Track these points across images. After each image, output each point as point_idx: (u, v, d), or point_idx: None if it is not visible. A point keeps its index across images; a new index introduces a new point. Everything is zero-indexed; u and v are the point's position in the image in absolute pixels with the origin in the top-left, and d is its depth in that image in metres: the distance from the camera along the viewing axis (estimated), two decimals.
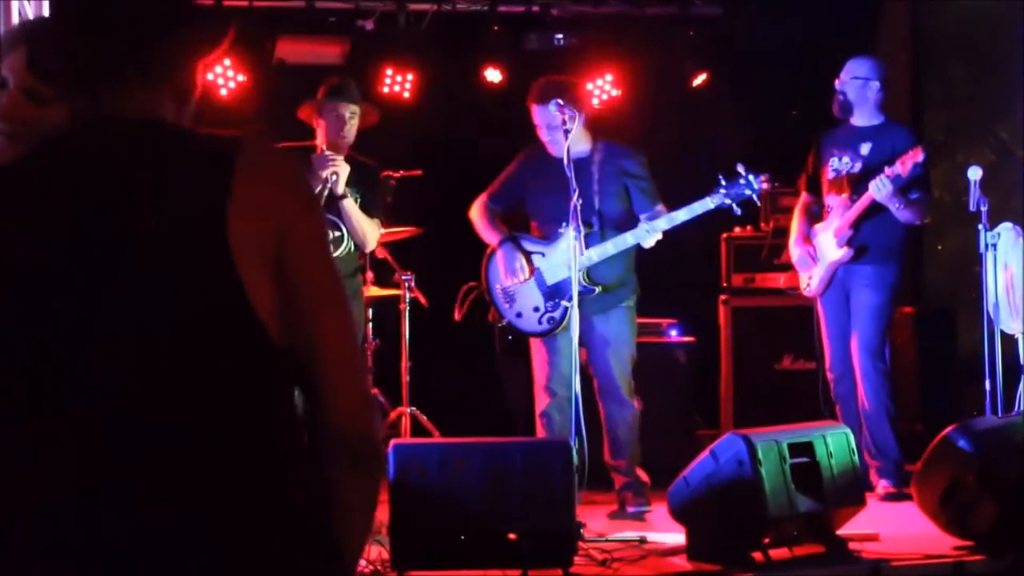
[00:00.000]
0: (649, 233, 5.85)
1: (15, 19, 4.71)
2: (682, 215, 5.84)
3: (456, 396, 7.48)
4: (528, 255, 6.06)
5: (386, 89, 8.23)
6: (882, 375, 6.35)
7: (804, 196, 6.70)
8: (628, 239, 5.88)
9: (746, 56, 8.32)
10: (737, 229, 7.73)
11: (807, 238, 6.58)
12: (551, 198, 5.93)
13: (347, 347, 1.97)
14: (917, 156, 6.13)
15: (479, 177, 6.38)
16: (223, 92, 7.93)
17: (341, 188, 5.82)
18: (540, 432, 6.03)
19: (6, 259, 1.89)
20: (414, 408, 6.93)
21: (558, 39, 8.20)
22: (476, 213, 6.19)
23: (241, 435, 1.88)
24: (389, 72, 8.25)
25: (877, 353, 6.34)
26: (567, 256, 5.79)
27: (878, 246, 6.36)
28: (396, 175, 7.02)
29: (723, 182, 5.83)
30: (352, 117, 6.05)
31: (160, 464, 1.84)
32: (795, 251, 6.64)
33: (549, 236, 6.03)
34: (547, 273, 6.01)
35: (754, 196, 5.85)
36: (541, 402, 6.03)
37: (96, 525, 1.84)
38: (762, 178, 5.82)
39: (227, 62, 7.92)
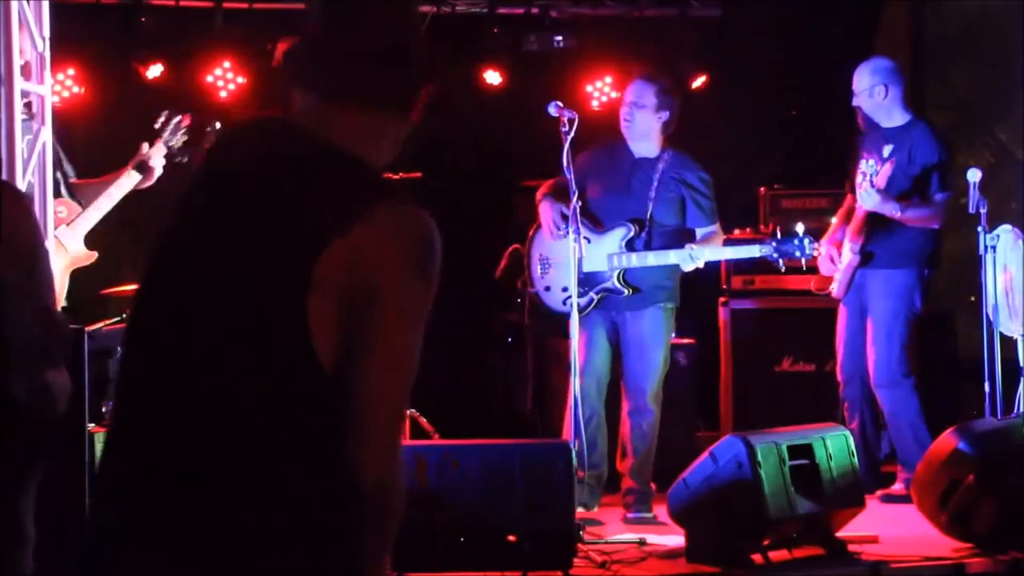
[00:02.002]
0: (692, 259, 5.86)
1: (15, 19, 4.71)
2: (728, 253, 6.02)
3: (455, 398, 7.47)
4: (575, 226, 5.96)
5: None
6: (897, 388, 6.25)
7: (848, 198, 6.66)
8: (671, 257, 5.89)
9: (746, 57, 8.31)
10: (736, 232, 7.73)
11: (839, 241, 6.54)
12: (610, 195, 5.98)
13: (390, 397, 2.02)
14: (887, 171, 6.12)
15: (479, 179, 6.38)
16: (223, 94, 7.92)
17: None
18: (568, 414, 5.94)
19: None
20: (413, 410, 6.93)
21: (557, 41, 8.20)
22: (539, 190, 6.15)
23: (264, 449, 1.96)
24: None
25: (892, 364, 6.25)
26: (608, 250, 5.89)
27: (888, 251, 6.31)
28: (395, 177, 7.01)
29: (777, 235, 5.90)
30: None
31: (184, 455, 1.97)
32: (822, 248, 6.59)
33: (601, 228, 6.00)
34: (586, 261, 5.92)
35: (802, 259, 5.92)
36: (576, 385, 6.00)
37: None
38: (815, 245, 5.92)
39: (227, 64, 7.92)
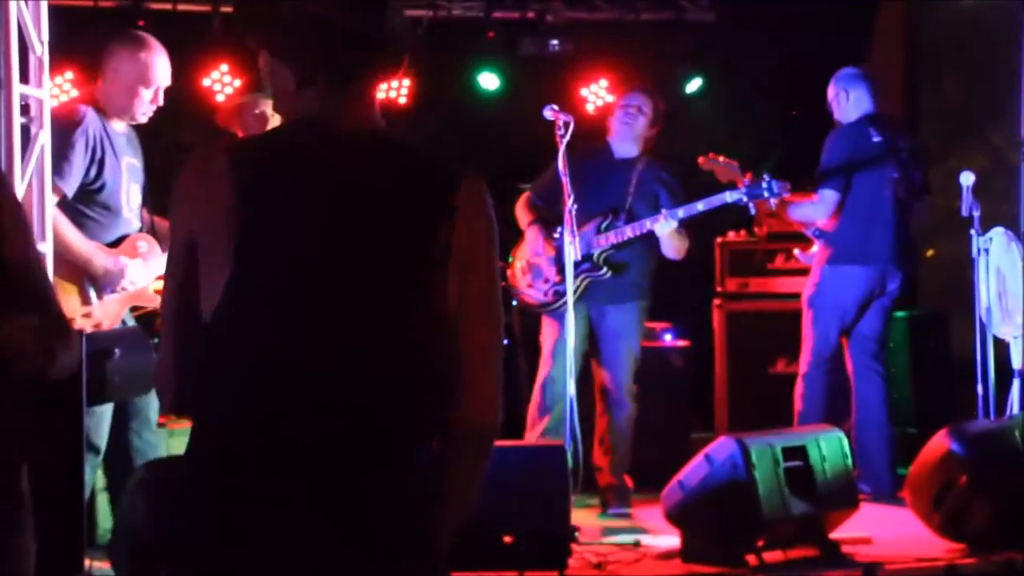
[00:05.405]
0: (666, 220, 5.99)
1: (13, 19, 4.73)
2: (700, 206, 6.02)
3: None
4: (553, 236, 6.14)
5: (382, 95, 8.20)
6: (809, 374, 6.43)
7: None
8: (646, 224, 6.04)
9: (740, 62, 8.34)
10: (731, 234, 7.76)
11: None
12: (591, 193, 6.06)
13: (494, 349, 2.27)
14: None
15: None
16: (220, 98, 7.94)
17: None
18: (535, 400, 6.07)
19: (260, 217, 2.14)
20: None
21: (553, 45, 8.23)
22: (519, 205, 6.33)
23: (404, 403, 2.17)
24: None
25: (811, 349, 6.44)
26: (587, 238, 6.03)
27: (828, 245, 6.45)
28: None
29: (746, 182, 6.07)
30: (274, 116, 5.96)
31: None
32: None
33: (580, 225, 6.05)
34: (566, 252, 6.01)
35: (771, 199, 6.05)
36: (543, 369, 6.10)
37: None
38: (784, 185, 6.04)
39: (224, 67, 7.94)
